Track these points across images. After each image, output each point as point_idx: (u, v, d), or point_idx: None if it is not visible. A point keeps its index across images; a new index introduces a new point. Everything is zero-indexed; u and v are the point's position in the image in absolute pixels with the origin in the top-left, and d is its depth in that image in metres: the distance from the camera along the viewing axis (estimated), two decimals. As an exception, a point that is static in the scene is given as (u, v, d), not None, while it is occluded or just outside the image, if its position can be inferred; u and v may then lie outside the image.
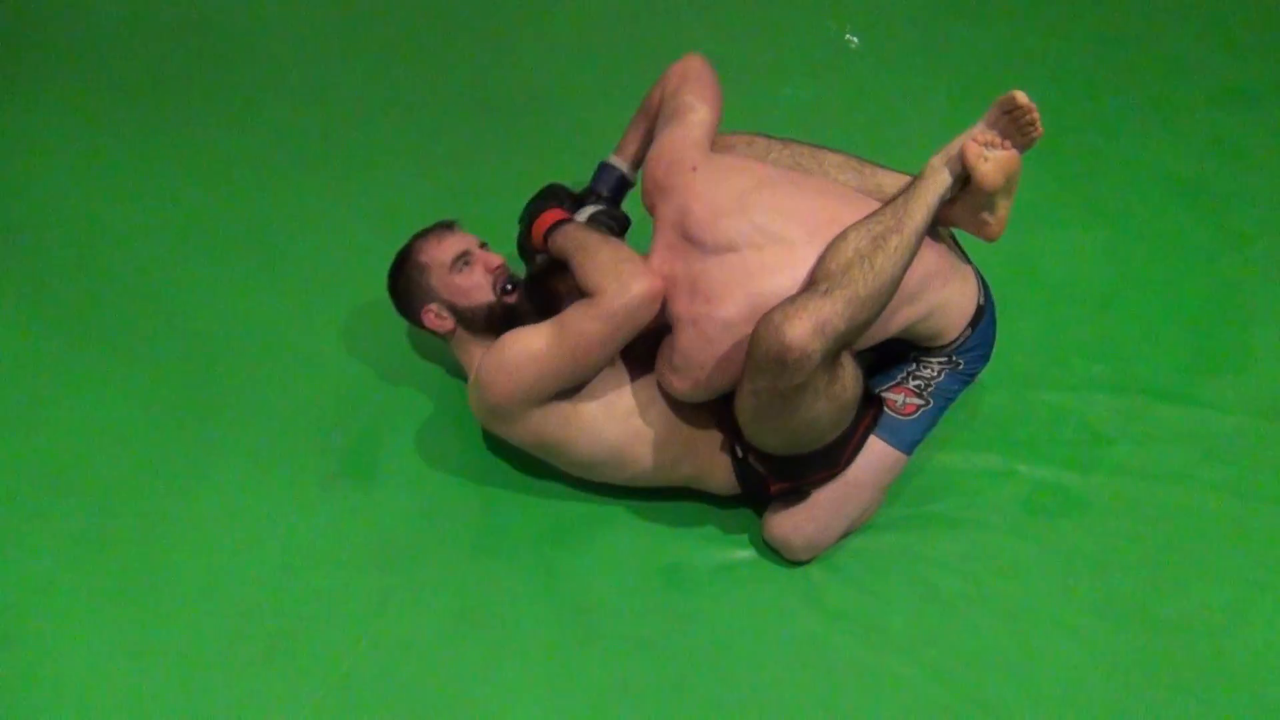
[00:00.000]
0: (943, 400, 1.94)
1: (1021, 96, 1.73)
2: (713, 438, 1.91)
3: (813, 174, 1.95)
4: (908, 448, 1.91)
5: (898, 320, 1.83)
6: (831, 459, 1.85)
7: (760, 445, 1.80)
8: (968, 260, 1.96)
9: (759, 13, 3.16)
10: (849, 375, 1.72)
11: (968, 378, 1.96)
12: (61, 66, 2.87)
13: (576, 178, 2.37)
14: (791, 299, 1.61)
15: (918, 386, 1.92)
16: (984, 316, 1.93)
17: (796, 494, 1.89)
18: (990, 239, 1.91)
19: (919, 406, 1.92)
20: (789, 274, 1.73)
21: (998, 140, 1.78)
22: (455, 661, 1.81)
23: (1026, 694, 1.80)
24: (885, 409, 1.90)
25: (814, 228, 1.76)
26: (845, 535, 1.95)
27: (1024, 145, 1.79)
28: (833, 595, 1.91)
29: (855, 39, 3.01)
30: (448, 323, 1.94)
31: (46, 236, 2.44)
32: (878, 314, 1.69)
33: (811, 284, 1.67)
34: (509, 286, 1.95)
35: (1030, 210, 2.49)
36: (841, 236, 1.71)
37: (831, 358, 1.63)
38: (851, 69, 2.87)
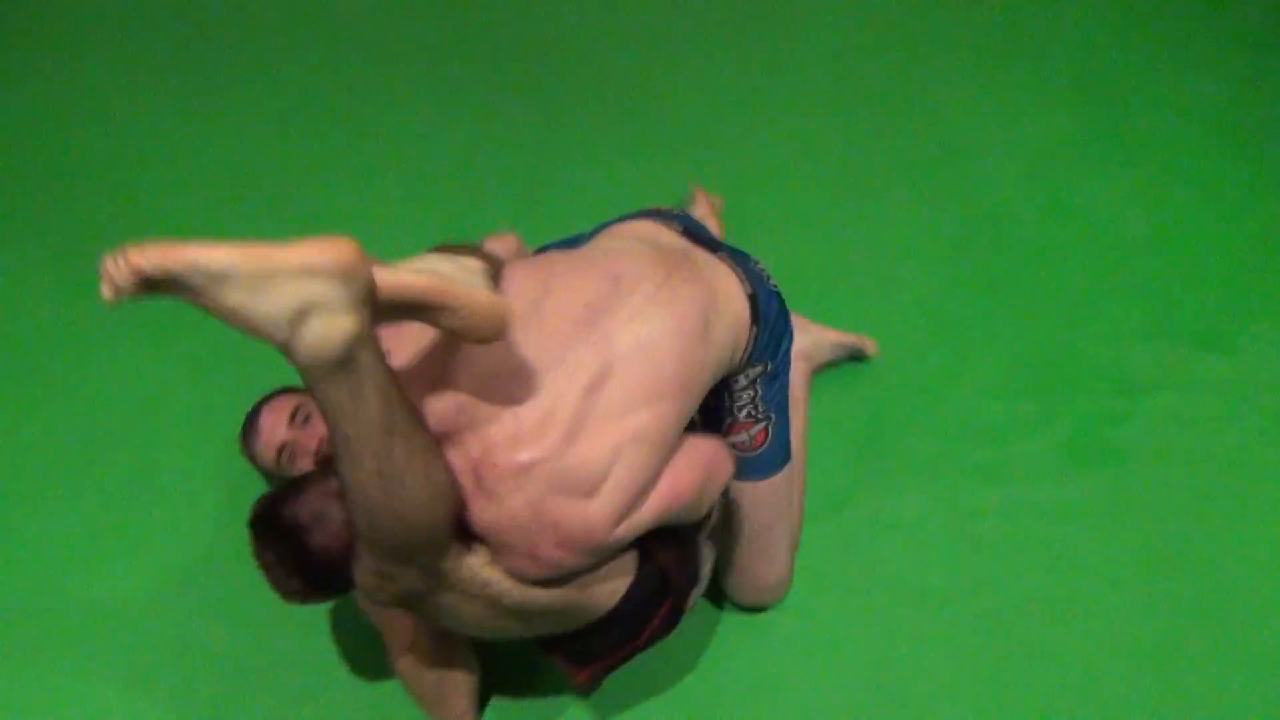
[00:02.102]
0: (780, 403, 1.70)
1: None
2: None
3: None
4: (782, 462, 1.74)
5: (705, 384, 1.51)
6: (625, 636, 1.54)
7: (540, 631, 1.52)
8: (715, 248, 1.63)
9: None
10: (466, 572, 1.36)
11: (780, 372, 1.68)
12: (89, 27, 2.83)
13: (597, 126, 2.35)
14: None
15: (749, 414, 1.67)
16: (758, 304, 1.58)
17: (608, 669, 1.59)
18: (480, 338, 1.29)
19: (766, 428, 1.68)
20: None
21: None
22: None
23: (1070, 638, 1.82)
24: (739, 454, 1.65)
25: None
26: (795, 548, 1.86)
27: None
28: (873, 540, 1.92)
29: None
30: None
31: (81, 196, 2.43)
32: (397, 527, 1.27)
33: None
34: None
35: (1065, 156, 2.47)
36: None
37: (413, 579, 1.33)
38: (877, 16, 2.81)
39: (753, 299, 1.57)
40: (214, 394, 2.10)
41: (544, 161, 2.47)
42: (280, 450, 1.76)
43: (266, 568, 1.39)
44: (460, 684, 1.66)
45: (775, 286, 1.65)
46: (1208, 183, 2.43)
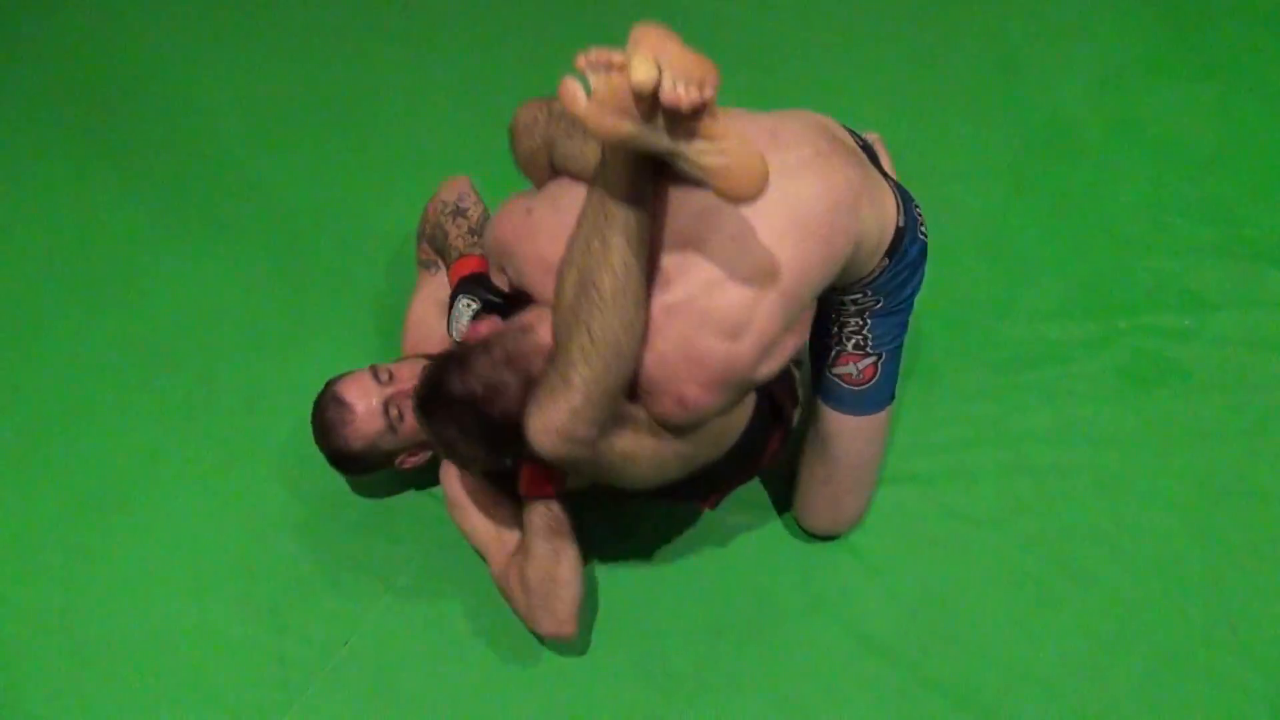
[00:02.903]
0: (892, 343, 1.67)
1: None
2: None
3: None
4: (887, 401, 1.72)
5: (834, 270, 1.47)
6: (746, 464, 1.65)
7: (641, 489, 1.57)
8: (884, 175, 1.60)
9: None
10: (643, 427, 1.44)
11: (897, 311, 1.64)
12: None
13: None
14: (535, 394, 1.37)
15: (858, 345, 1.65)
16: (902, 241, 1.54)
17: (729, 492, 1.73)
18: (736, 198, 1.25)
19: (875, 363, 1.66)
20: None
21: (613, 59, 1.18)
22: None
23: (1119, 564, 1.80)
24: (845, 385, 1.67)
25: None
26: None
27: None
28: (922, 464, 1.91)
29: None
30: (422, 456, 1.79)
31: (137, 114, 2.45)
32: (629, 366, 1.35)
33: (549, 360, 1.38)
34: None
35: (1133, 66, 2.38)
36: (561, 271, 1.36)
37: (606, 427, 1.38)
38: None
39: (899, 231, 1.53)
40: (267, 309, 2.14)
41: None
42: (386, 407, 1.71)
43: (449, 444, 1.47)
44: (567, 586, 1.63)
45: (924, 235, 1.60)
46: (1281, 95, 2.33)
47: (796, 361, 1.65)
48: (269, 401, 2.02)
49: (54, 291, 2.18)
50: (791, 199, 1.37)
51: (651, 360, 1.37)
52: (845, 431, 1.72)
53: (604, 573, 1.83)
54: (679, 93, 1.14)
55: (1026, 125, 2.30)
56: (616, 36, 2.30)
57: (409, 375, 1.71)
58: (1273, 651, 1.71)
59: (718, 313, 1.36)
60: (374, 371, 1.75)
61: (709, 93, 1.15)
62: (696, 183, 1.27)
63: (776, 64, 2.45)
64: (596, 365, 1.31)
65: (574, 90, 1.18)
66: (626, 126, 1.19)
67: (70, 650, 1.77)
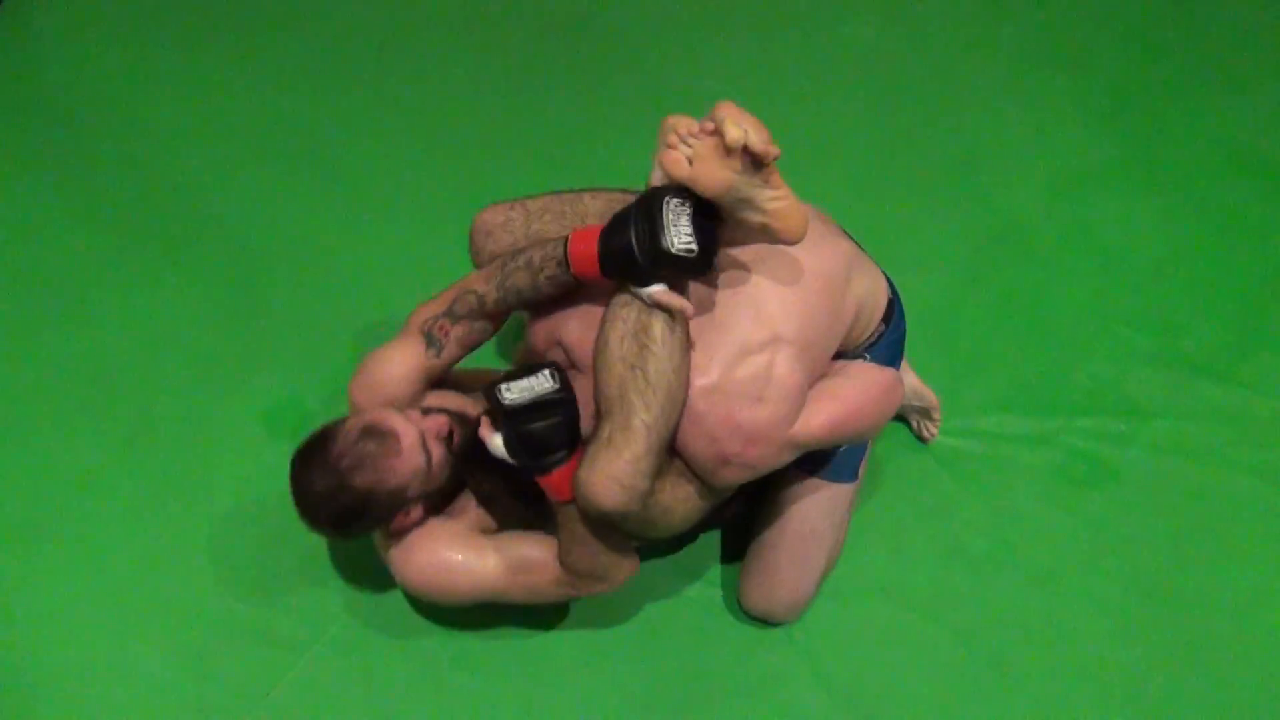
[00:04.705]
0: None
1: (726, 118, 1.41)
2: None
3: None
4: (851, 475, 1.80)
5: (842, 329, 1.67)
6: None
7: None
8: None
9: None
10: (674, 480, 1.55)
11: None
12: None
13: (629, 103, 2.33)
14: (588, 452, 1.47)
15: None
16: (895, 310, 1.77)
17: None
18: (790, 239, 1.50)
19: None
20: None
21: (697, 129, 1.44)
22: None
23: (1046, 660, 1.83)
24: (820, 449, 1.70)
25: None
26: (824, 579, 1.85)
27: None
28: (859, 550, 1.92)
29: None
30: (419, 513, 1.65)
31: (97, 137, 2.41)
32: (678, 414, 1.49)
33: (598, 418, 1.49)
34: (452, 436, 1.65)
35: (1088, 174, 2.46)
36: (602, 341, 1.49)
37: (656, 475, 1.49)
38: (913, 13, 2.80)
39: (891, 302, 1.75)
40: (215, 342, 2.10)
41: (573, 136, 2.46)
42: (424, 443, 1.58)
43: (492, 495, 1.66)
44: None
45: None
46: (1225, 215, 2.43)
47: None
48: (210, 437, 1.98)
49: (-4, 307, 2.14)
50: (800, 264, 1.58)
51: (701, 437, 1.51)
52: (802, 494, 1.76)
53: (536, 639, 1.82)
54: (767, 146, 1.38)
55: (981, 222, 2.36)
56: (588, 89, 2.33)
57: (437, 408, 1.64)
58: (1190, 758, 1.75)
59: (743, 384, 1.51)
60: (419, 409, 1.63)
61: (776, 149, 1.40)
62: (743, 239, 1.54)
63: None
64: (654, 410, 1.44)
65: (677, 156, 1.43)
66: (729, 174, 1.42)
67: (-20, 682, 1.71)
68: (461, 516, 1.69)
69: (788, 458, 1.59)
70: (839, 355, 1.70)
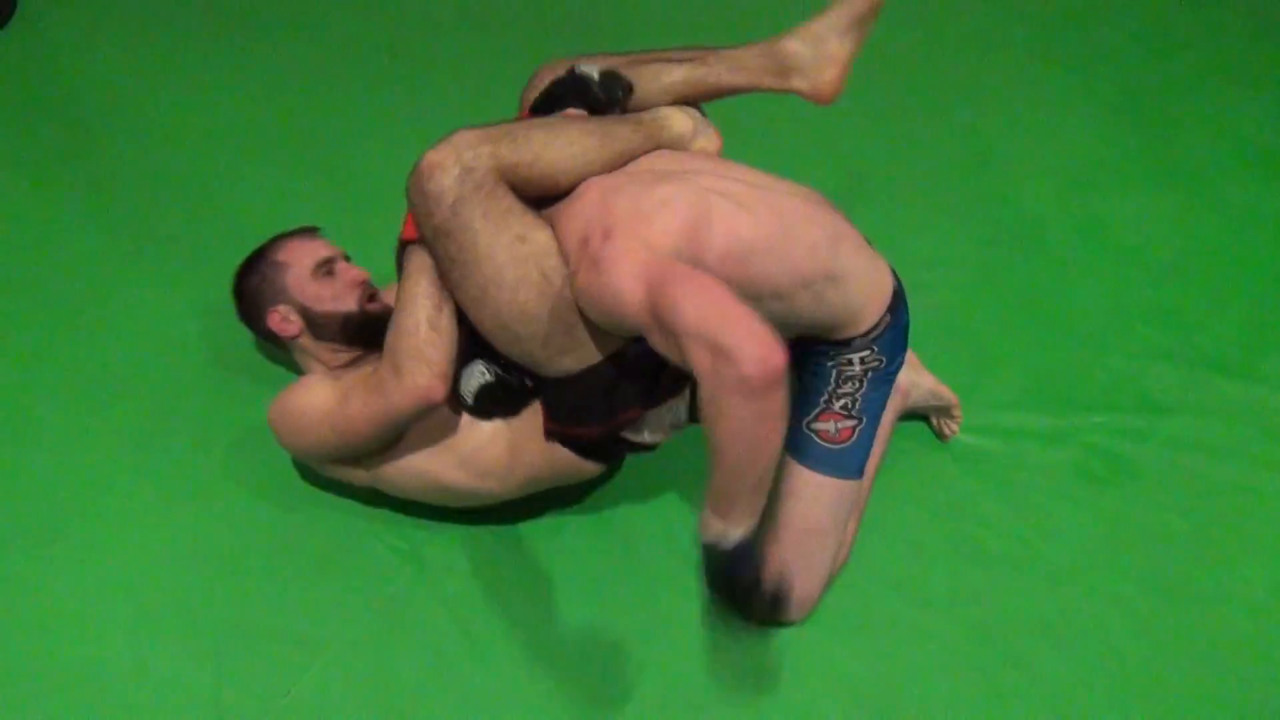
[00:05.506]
0: (875, 412, 1.74)
1: None
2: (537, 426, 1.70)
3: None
4: (856, 472, 1.76)
5: (806, 298, 1.58)
6: (601, 411, 1.61)
7: (483, 331, 1.59)
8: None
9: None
10: (518, 216, 1.55)
11: (889, 379, 1.74)
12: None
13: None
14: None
15: (845, 406, 1.71)
16: (901, 302, 1.71)
17: (570, 443, 1.67)
18: (823, 98, 1.78)
19: (854, 427, 1.73)
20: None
21: None
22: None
23: (1064, 658, 1.81)
24: (819, 441, 1.73)
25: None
26: (832, 579, 1.84)
27: None
28: (873, 549, 1.91)
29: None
30: (293, 327, 1.82)
31: (110, 141, 2.44)
32: (560, 169, 1.59)
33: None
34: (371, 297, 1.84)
35: (1102, 171, 2.46)
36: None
37: (484, 188, 1.54)
38: (926, 12, 2.80)
39: (896, 292, 1.68)
40: (230, 345, 2.10)
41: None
42: (325, 262, 1.85)
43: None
44: (447, 334, 1.61)
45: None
46: (1241, 211, 2.42)
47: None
48: (224, 438, 1.98)
49: (11, 309, 2.15)
50: (790, 188, 1.65)
51: (577, 217, 1.56)
52: (806, 489, 1.73)
53: (551, 636, 1.81)
54: None
55: (996, 219, 2.36)
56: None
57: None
58: (1210, 755, 1.73)
59: (647, 207, 1.53)
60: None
61: None
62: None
63: (752, 140, 2.48)
64: (536, 143, 1.60)
65: None
66: None
67: (-5, 684, 1.71)
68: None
69: (628, 311, 1.42)
70: (847, 342, 1.66)
